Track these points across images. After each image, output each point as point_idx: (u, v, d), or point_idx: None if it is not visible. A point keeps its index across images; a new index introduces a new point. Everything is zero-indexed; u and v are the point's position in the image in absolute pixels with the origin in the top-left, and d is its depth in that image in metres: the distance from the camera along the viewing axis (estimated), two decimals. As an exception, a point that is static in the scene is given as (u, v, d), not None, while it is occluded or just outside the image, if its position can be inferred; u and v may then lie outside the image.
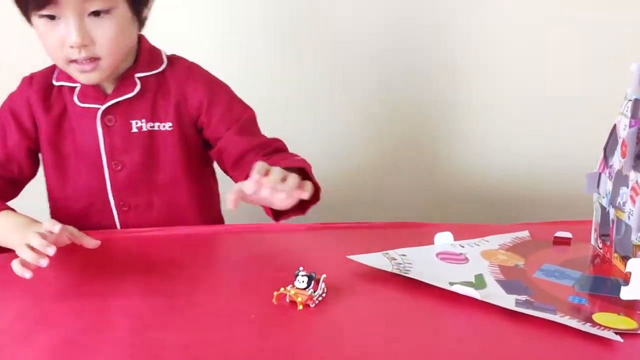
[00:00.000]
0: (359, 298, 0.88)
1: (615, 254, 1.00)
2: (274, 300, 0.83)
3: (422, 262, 0.97)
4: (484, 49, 1.64)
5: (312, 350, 0.74)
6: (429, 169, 1.72)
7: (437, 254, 1.01)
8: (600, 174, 1.06)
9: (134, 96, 1.04)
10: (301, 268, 0.86)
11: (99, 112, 1.03)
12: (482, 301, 0.84)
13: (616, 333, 0.77)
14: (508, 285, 0.91)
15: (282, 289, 0.83)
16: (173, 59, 1.11)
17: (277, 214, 1.01)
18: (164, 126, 1.06)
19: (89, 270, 0.93)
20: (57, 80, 1.05)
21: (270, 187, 0.84)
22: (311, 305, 0.83)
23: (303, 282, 0.84)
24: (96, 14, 0.95)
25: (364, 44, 1.61)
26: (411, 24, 1.61)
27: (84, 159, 1.06)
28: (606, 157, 1.05)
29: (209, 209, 1.20)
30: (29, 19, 0.97)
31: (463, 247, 1.05)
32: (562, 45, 1.63)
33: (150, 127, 1.06)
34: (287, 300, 0.84)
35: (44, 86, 1.05)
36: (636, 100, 0.96)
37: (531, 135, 1.69)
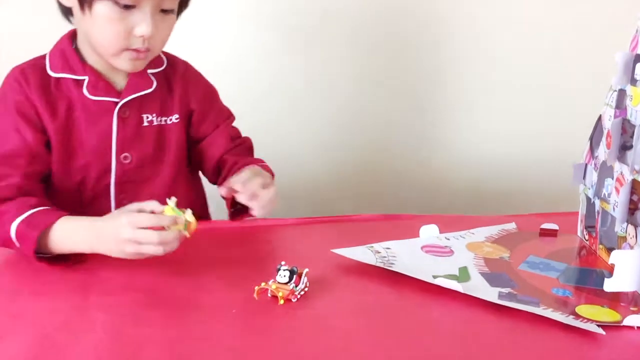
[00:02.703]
0: (342, 292, 0.87)
1: (601, 246, 1.00)
2: (255, 296, 0.82)
3: (407, 255, 0.97)
4: (471, 44, 1.63)
5: (294, 345, 0.74)
6: (416, 162, 1.71)
7: (422, 247, 1.00)
8: (586, 165, 1.06)
9: (147, 92, 1.07)
10: (283, 262, 0.85)
11: (118, 106, 1.04)
12: (465, 294, 0.83)
13: (599, 325, 0.77)
14: (492, 278, 0.90)
15: (262, 284, 0.83)
16: (169, 57, 1.14)
17: (234, 214, 1.09)
18: (170, 119, 1.10)
19: (68, 265, 0.91)
20: (54, 71, 1.03)
21: (252, 192, 0.95)
22: (293, 300, 0.83)
23: (285, 276, 0.84)
24: (164, 11, 1.00)
25: (348, 36, 1.60)
26: (397, 17, 1.60)
27: (92, 151, 1.05)
28: (592, 148, 1.04)
29: (201, 206, 1.23)
30: (83, 5, 0.96)
31: (449, 239, 1.04)
32: (550, 38, 1.63)
33: (159, 121, 1.09)
34: (269, 295, 0.83)
35: (40, 80, 1.01)
36: (621, 90, 0.95)
37: (518, 126, 1.68)
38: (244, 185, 0.96)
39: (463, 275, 0.91)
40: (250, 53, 1.59)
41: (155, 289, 0.86)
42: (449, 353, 0.73)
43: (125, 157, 1.07)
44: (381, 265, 0.92)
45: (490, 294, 0.84)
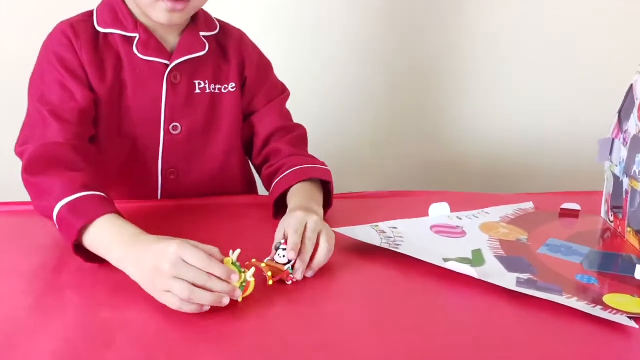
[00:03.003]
0: (342, 276, 0.79)
1: (629, 228, 0.91)
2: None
3: (415, 235, 0.89)
4: (488, 19, 1.53)
5: (287, 335, 0.66)
6: (428, 138, 1.62)
7: (432, 227, 0.92)
8: (613, 140, 0.97)
9: (200, 56, 0.98)
10: (283, 241, 0.77)
11: (168, 69, 0.96)
12: (479, 280, 0.75)
13: (630, 317, 0.69)
14: (509, 262, 0.82)
15: (253, 260, 0.75)
16: (222, 23, 1.06)
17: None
18: (226, 88, 1.01)
19: (40, 244, 0.84)
20: (103, 27, 0.94)
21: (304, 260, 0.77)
22: (287, 283, 0.75)
23: (283, 256, 0.76)
24: None
25: (366, 11, 1.52)
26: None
27: (140, 119, 0.97)
28: (621, 122, 0.95)
29: (251, 181, 1.13)
30: None
31: (460, 219, 0.96)
32: (570, 11, 1.53)
33: (213, 89, 1.00)
34: (264, 274, 0.75)
35: (90, 36, 0.94)
36: (657, 56, 0.86)
37: (536, 100, 1.59)
38: (295, 250, 0.76)
39: (477, 258, 0.82)
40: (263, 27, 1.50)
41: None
42: (461, 345, 0.65)
43: (175, 127, 0.98)
44: (386, 246, 0.84)
45: (508, 280, 0.76)
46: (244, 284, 0.69)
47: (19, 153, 0.89)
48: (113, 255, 0.75)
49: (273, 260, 0.76)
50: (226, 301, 0.68)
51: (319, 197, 0.94)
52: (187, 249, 0.69)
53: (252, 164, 1.10)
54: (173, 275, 0.67)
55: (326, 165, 1.00)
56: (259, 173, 1.06)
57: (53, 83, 0.91)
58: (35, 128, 0.89)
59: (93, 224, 0.76)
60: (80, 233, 0.76)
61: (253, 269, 0.71)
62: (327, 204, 0.96)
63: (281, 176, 0.96)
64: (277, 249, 0.77)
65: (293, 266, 0.76)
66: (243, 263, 0.72)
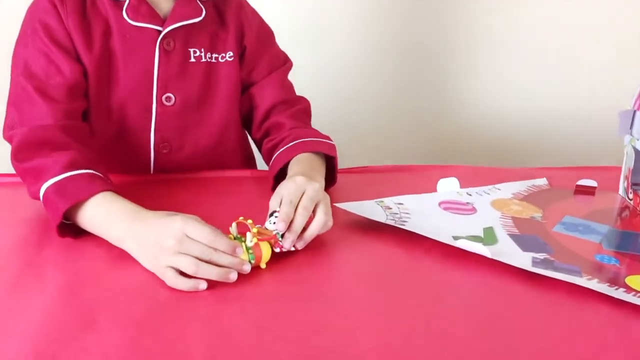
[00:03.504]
0: (344, 254, 0.75)
1: (650, 206, 0.86)
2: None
3: (422, 212, 0.84)
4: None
5: (284, 315, 0.61)
6: (436, 110, 1.57)
7: (440, 203, 0.87)
8: (635, 112, 0.91)
9: (195, 22, 0.92)
10: (278, 209, 0.72)
11: (161, 35, 0.90)
12: (492, 259, 0.71)
13: (655, 301, 0.64)
14: (523, 241, 0.77)
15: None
16: None
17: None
18: (223, 57, 0.96)
19: (23, 217, 0.80)
20: None
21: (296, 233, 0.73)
22: (276, 250, 0.70)
23: (274, 223, 0.71)
24: None
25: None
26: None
27: (130, 88, 0.91)
28: (643, 92, 0.90)
29: (249, 156, 1.09)
30: None
31: (471, 195, 0.91)
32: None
33: (209, 58, 0.95)
34: (250, 237, 0.69)
35: (77, 2, 0.88)
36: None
37: (550, 70, 1.53)
38: (285, 222, 0.71)
39: (489, 237, 0.77)
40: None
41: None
42: (472, 330, 0.60)
43: (168, 98, 0.93)
44: (392, 223, 0.80)
45: (523, 260, 0.71)
46: (251, 254, 0.68)
47: (8, 138, 0.84)
48: (112, 232, 0.72)
49: (263, 226, 0.72)
50: (233, 277, 0.66)
51: (321, 169, 0.89)
52: (191, 224, 0.67)
53: (252, 139, 1.04)
54: (178, 251, 0.66)
55: (331, 140, 0.94)
56: (259, 148, 1.01)
57: (37, 53, 0.86)
58: (22, 108, 0.84)
59: (87, 202, 0.73)
60: (70, 213, 0.73)
61: (249, 234, 0.68)
62: (330, 180, 0.91)
63: (283, 148, 0.91)
64: (270, 215, 0.73)
65: (283, 235, 0.71)
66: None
